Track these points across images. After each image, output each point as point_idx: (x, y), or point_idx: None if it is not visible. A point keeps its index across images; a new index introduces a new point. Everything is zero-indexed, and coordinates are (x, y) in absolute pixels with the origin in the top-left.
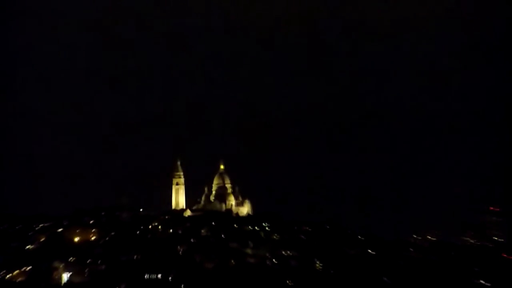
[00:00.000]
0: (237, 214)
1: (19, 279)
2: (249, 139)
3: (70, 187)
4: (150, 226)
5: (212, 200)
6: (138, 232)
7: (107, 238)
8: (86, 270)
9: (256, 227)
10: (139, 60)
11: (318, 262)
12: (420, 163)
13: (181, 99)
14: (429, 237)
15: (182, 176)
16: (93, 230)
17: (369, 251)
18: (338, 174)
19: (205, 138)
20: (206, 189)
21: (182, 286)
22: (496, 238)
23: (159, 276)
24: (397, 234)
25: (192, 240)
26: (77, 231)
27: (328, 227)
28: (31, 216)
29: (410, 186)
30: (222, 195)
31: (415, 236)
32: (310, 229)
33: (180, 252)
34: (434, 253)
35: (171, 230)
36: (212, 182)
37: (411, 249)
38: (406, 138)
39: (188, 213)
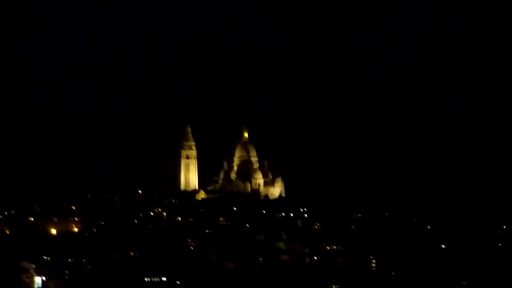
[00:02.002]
0: (266, 196)
1: None
2: (281, 97)
3: (45, 161)
4: (151, 213)
5: (234, 179)
6: (135, 221)
7: (94, 230)
8: (66, 272)
9: (291, 214)
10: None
11: (373, 261)
12: None
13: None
14: None
15: (194, 147)
16: (76, 219)
17: (443, 246)
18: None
19: (223, 97)
20: (225, 164)
21: None
22: None
23: (164, 279)
24: (479, 224)
25: (207, 231)
26: (54, 220)
27: (387, 214)
28: None
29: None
30: (246, 172)
31: (504, 227)
32: (362, 217)
33: (192, 248)
34: None
35: (179, 218)
36: (233, 155)
37: (500, 244)
38: None
39: (201, 195)
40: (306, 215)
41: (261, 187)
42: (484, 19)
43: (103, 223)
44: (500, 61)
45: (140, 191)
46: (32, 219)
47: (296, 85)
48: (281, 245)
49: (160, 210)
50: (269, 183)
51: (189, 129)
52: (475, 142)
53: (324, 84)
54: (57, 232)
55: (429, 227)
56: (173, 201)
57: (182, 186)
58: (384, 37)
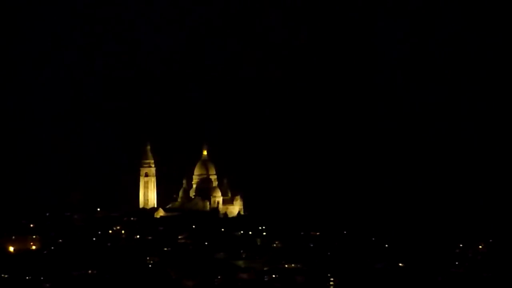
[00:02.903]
0: (225, 214)
1: None
2: (239, 115)
3: (2, 179)
4: (110, 231)
5: (193, 197)
6: (94, 239)
7: (52, 248)
8: None
9: (250, 232)
10: None
11: (332, 279)
12: None
13: (149, 60)
14: (481, 248)
15: (153, 165)
16: (34, 236)
17: (401, 264)
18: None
19: (183, 115)
20: (184, 182)
21: None
22: None
23: None
24: (436, 243)
25: (166, 249)
26: (12, 238)
27: (345, 232)
28: None
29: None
30: (205, 190)
31: (461, 246)
32: (321, 235)
33: (150, 265)
34: (487, 268)
35: (138, 236)
36: (192, 173)
37: (456, 263)
38: None
39: (160, 213)
40: (265, 233)
41: (220, 205)
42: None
43: (61, 241)
44: None
45: (99, 209)
46: None
47: (253, 102)
48: (240, 263)
49: (119, 228)
50: (228, 201)
51: (148, 147)
52: (430, 160)
53: (279, 100)
54: (15, 249)
55: (387, 245)
56: (132, 219)
57: (141, 204)
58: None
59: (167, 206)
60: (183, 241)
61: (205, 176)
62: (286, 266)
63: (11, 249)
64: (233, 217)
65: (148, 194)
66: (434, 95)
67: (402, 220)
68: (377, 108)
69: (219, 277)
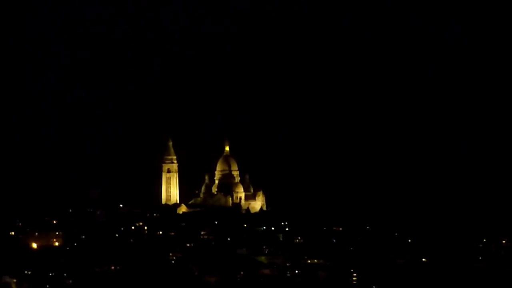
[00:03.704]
0: (247, 210)
1: None
2: (261, 110)
3: (26, 176)
4: (132, 227)
5: (215, 192)
6: (116, 235)
7: (75, 244)
8: (47, 287)
9: (272, 228)
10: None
11: (354, 274)
12: None
13: (171, 56)
14: (504, 242)
15: (175, 161)
16: (57, 233)
17: (423, 260)
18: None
19: (205, 110)
20: (206, 177)
21: None
22: None
23: None
24: (459, 238)
25: (188, 245)
26: (36, 234)
27: (368, 227)
28: None
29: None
30: (227, 186)
31: (484, 241)
32: (343, 231)
33: (173, 261)
34: (510, 263)
35: (160, 232)
36: (214, 169)
37: (479, 258)
38: None
39: (183, 209)
40: (287, 229)
41: (243, 201)
42: None
43: (84, 237)
44: None
45: (121, 205)
46: (13, 233)
47: (275, 98)
48: (263, 259)
49: (141, 224)
50: (250, 196)
51: (170, 143)
52: (456, 156)
53: (304, 97)
54: (38, 246)
55: (410, 241)
56: (155, 215)
57: (164, 200)
58: None
59: (189, 202)
60: (205, 237)
61: (227, 171)
62: (309, 261)
63: (34, 245)
64: (255, 213)
65: (171, 190)
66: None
67: (425, 215)
68: (398, 104)
69: (241, 272)
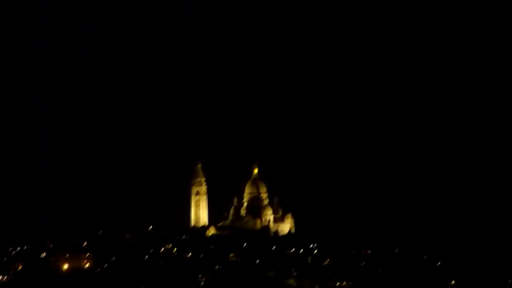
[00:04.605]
0: (275, 232)
1: None
2: (289, 133)
3: (56, 200)
4: (161, 250)
5: (243, 215)
6: (146, 257)
7: (105, 266)
8: None
9: (301, 250)
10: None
11: None
12: None
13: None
14: None
15: (204, 184)
16: (87, 255)
17: (453, 283)
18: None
19: (234, 133)
20: (235, 200)
21: None
22: None
23: None
24: (489, 260)
25: (217, 267)
26: (66, 256)
27: (397, 250)
28: (4, 238)
29: None
30: (256, 208)
31: None
32: (372, 253)
33: (202, 284)
34: None
35: (189, 255)
36: (243, 192)
37: (510, 281)
38: None
39: (212, 231)
40: (316, 252)
41: (271, 223)
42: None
43: (114, 259)
44: None
45: (150, 228)
46: (44, 255)
47: (303, 120)
48: (291, 281)
49: (170, 246)
50: (279, 219)
51: (199, 166)
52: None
53: (332, 121)
54: (68, 268)
55: (439, 263)
56: (184, 237)
57: (192, 223)
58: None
59: (218, 225)
60: (234, 259)
61: (256, 194)
62: (337, 284)
63: (65, 267)
64: (283, 235)
65: (199, 213)
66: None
67: (455, 238)
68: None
69: None
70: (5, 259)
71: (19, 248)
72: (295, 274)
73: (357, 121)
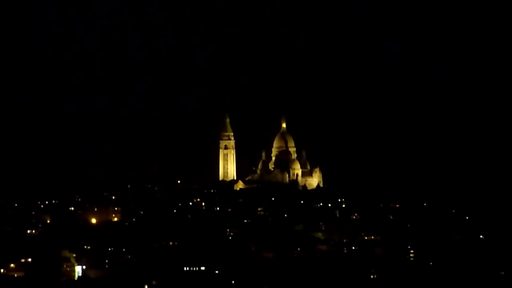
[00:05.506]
0: (304, 186)
1: (17, 274)
2: (318, 87)
3: (86, 152)
4: (190, 203)
5: (272, 169)
6: (174, 211)
7: (134, 219)
8: (106, 261)
9: (329, 204)
10: None
11: (411, 251)
12: None
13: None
14: None
15: (232, 138)
16: (116, 208)
17: (481, 236)
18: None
19: (262, 87)
20: (263, 154)
21: (233, 282)
22: None
23: (203, 268)
24: None
25: (245, 221)
26: (94, 210)
27: (425, 204)
28: (32, 191)
29: None
30: (284, 162)
31: None
32: (401, 207)
33: (230, 237)
34: None
35: (217, 208)
36: (271, 146)
37: None
38: None
39: (240, 185)
40: (344, 206)
41: (299, 178)
42: None
43: (142, 213)
44: None
45: (179, 181)
46: (72, 208)
47: (333, 78)
48: (319, 235)
49: (199, 200)
50: (307, 173)
51: (227, 120)
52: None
53: (360, 78)
54: (97, 221)
55: (467, 217)
56: (212, 191)
57: (221, 177)
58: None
59: (247, 178)
60: (262, 213)
61: (284, 148)
62: (365, 238)
63: (94, 221)
64: (312, 189)
65: (228, 167)
66: None
67: (483, 192)
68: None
69: (298, 249)
70: (34, 212)
71: (47, 202)
72: (323, 227)
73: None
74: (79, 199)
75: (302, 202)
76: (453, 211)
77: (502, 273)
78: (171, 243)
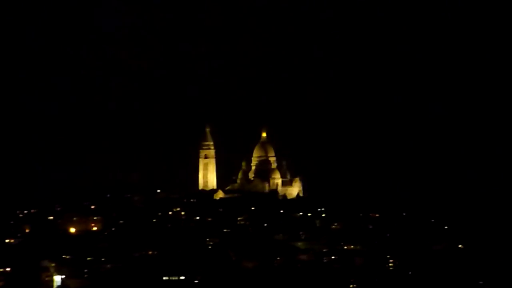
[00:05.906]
0: (284, 196)
1: None
2: (298, 97)
3: (65, 160)
4: (170, 213)
5: (252, 179)
6: (154, 220)
7: (113, 229)
8: (85, 271)
9: (309, 214)
10: None
11: (391, 260)
12: None
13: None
14: None
15: (213, 147)
16: (95, 218)
17: (460, 246)
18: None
19: (242, 97)
20: (243, 164)
21: None
22: None
23: (183, 278)
24: (496, 224)
25: (225, 230)
26: (74, 219)
27: (404, 214)
28: (11, 200)
29: None
30: (264, 172)
31: None
32: (380, 217)
33: (210, 247)
34: None
35: (198, 218)
36: (251, 155)
37: None
38: None
39: (220, 195)
40: (324, 215)
41: (279, 187)
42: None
43: (122, 222)
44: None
45: (159, 191)
46: (52, 218)
47: (313, 87)
48: (300, 244)
49: (179, 209)
50: (287, 183)
51: (208, 129)
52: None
53: (342, 84)
54: (76, 231)
55: (446, 227)
56: (192, 200)
57: (201, 186)
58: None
59: (227, 188)
60: (242, 222)
61: (264, 158)
62: (345, 247)
63: (73, 230)
64: (292, 199)
65: (208, 176)
66: None
67: (462, 201)
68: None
69: (278, 258)
70: (12, 222)
71: (26, 211)
72: (303, 237)
73: (367, 83)
74: (59, 209)
75: (282, 211)
76: (432, 220)
77: (481, 282)
78: (151, 252)
